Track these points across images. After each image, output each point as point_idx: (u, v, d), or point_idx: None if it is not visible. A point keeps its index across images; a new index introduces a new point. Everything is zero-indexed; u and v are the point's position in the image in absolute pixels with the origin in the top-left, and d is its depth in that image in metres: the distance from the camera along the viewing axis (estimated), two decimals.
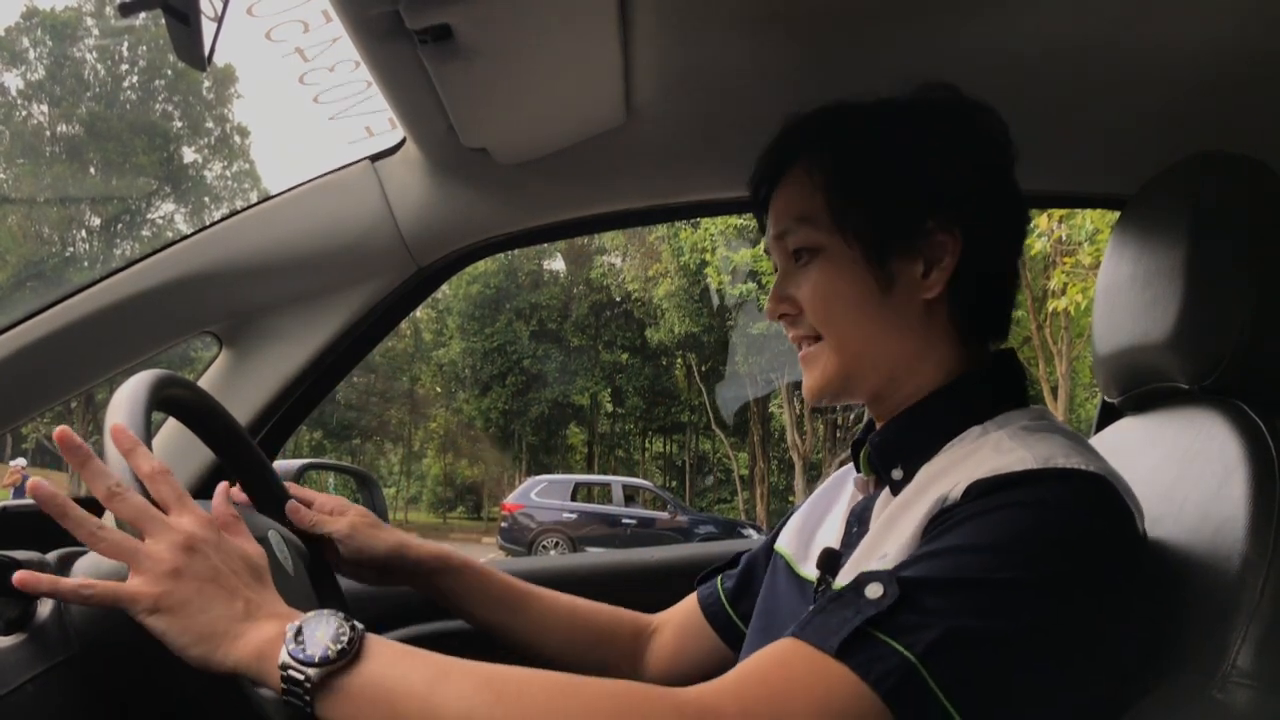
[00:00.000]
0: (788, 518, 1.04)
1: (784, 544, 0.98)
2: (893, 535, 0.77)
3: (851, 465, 0.95)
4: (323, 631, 0.66)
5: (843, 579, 0.81)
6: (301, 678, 0.64)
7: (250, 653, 0.66)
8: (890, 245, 0.82)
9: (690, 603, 1.11)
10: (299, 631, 0.66)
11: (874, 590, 0.64)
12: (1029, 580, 0.64)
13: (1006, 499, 0.68)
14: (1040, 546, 0.65)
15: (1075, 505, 0.69)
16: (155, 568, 0.68)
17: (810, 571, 0.90)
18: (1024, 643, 0.63)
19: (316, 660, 0.64)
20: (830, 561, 0.87)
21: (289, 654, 0.65)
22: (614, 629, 1.11)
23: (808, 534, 0.96)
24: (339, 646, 0.65)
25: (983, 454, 0.76)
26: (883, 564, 0.74)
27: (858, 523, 0.87)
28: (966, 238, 0.82)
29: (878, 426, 0.88)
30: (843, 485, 0.97)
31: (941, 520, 0.70)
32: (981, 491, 0.70)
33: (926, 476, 0.80)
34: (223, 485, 0.82)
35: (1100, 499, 0.70)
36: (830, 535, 0.91)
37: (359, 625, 0.67)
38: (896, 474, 0.83)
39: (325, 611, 0.67)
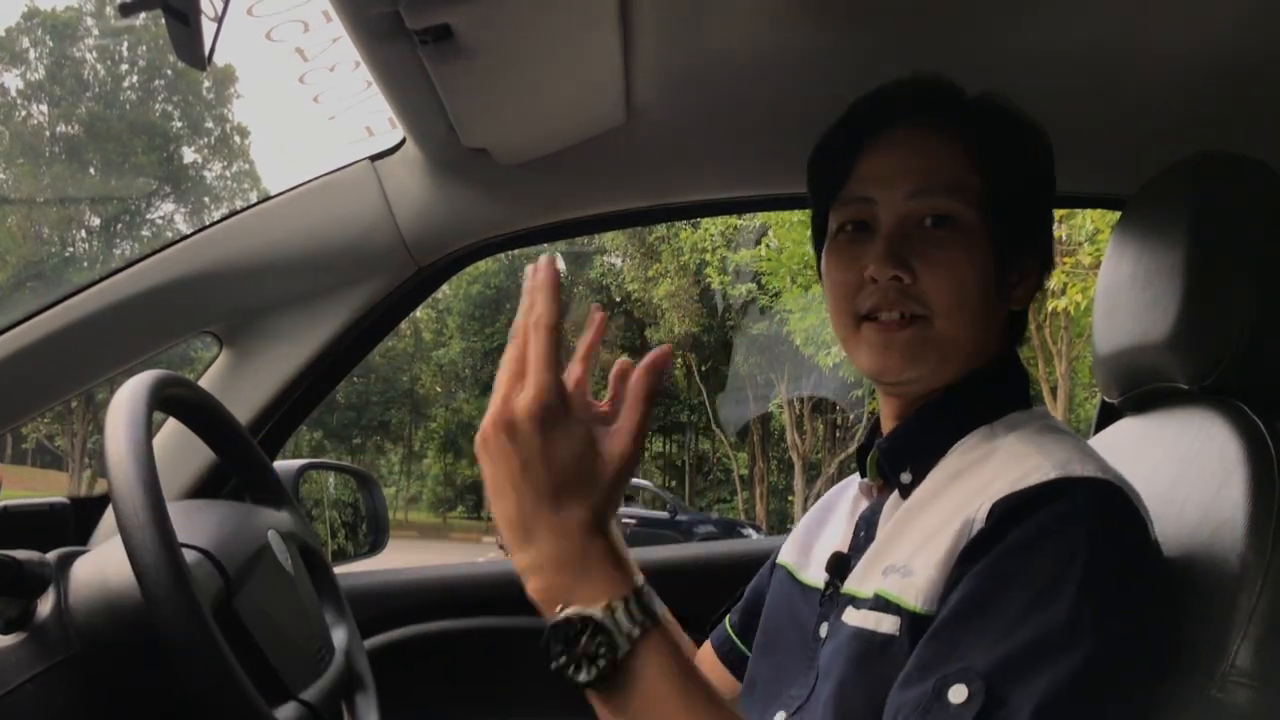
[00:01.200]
0: (787, 537, 1.04)
1: (785, 557, 0.98)
2: (906, 542, 0.77)
3: (854, 477, 0.95)
4: (584, 642, 0.59)
5: (852, 583, 0.81)
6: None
7: (535, 589, 0.62)
8: (1015, 250, 0.83)
9: (706, 650, 1.09)
10: (560, 628, 0.60)
11: (958, 694, 0.63)
12: (1083, 617, 0.64)
13: (1036, 528, 0.68)
14: (1083, 577, 0.65)
15: (1102, 521, 0.69)
16: (481, 433, 0.63)
17: (814, 577, 0.90)
18: (1091, 675, 0.63)
19: (569, 675, 0.60)
20: (839, 565, 0.86)
21: (548, 648, 0.60)
22: None
23: (808, 543, 0.96)
24: (591, 672, 0.59)
25: (997, 461, 0.76)
26: (906, 579, 0.74)
27: (866, 527, 0.87)
28: (1046, 261, 0.86)
29: (884, 430, 0.88)
30: (843, 494, 0.97)
31: (975, 554, 0.70)
32: (1006, 513, 0.70)
33: (938, 481, 0.80)
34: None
35: (1121, 509, 0.71)
36: (835, 540, 0.91)
37: (629, 635, 0.59)
38: (905, 477, 0.83)
39: (591, 617, 0.60)
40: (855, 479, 0.94)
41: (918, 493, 0.81)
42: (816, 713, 0.78)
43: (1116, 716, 0.65)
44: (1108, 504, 0.70)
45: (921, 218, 0.80)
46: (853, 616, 0.77)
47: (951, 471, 0.79)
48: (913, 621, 0.72)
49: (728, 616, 1.09)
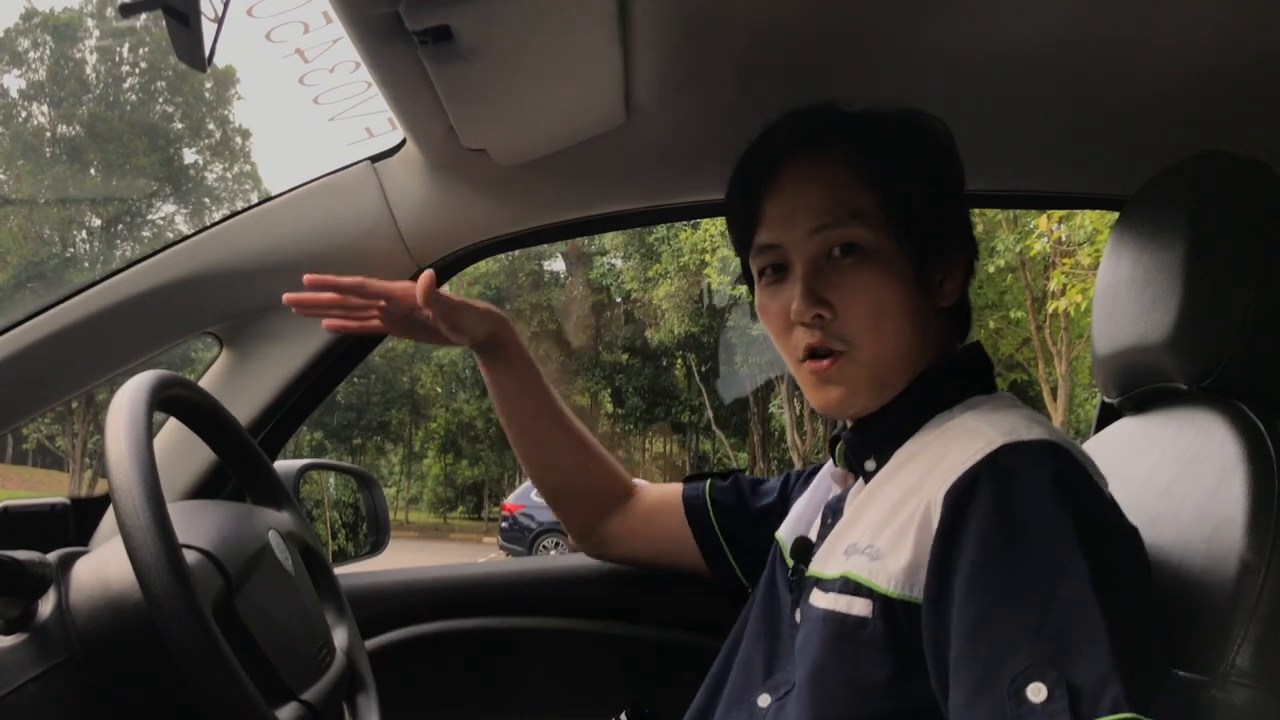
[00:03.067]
0: (793, 489, 1.07)
1: (782, 532, 1.00)
2: (865, 522, 0.79)
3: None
4: None
5: (816, 565, 0.84)
6: None
7: None
8: (930, 253, 0.84)
9: (672, 489, 1.15)
10: None
11: (1038, 692, 0.62)
12: (1101, 562, 0.66)
13: (1008, 497, 0.69)
14: (1078, 528, 0.67)
15: (1066, 473, 0.70)
16: None
17: (790, 558, 0.93)
18: (1132, 611, 0.66)
19: None
20: (803, 550, 0.89)
21: None
22: (607, 479, 1.17)
23: (797, 522, 0.99)
24: None
25: (949, 437, 0.78)
26: (875, 562, 0.75)
27: (832, 514, 0.89)
28: (968, 251, 0.87)
29: (849, 424, 0.89)
30: (829, 478, 0.99)
31: (954, 538, 0.70)
32: (966, 487, 0.71)
33: (896, 463, 0.82)
34: None
35: (1075, 464, 0.72)
36: (807, 526, 0.94)
37: None
38: (870, 465, 0.85)
39: None
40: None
41: (878, 476, 0.83)
42: (801, 704, 0.79)
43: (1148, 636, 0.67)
44: (1063, 459, 0.71)
45: (829, 250, 0.83)
46: (821, 599, 0.79)
47: (909, 453, 0.81)
48: (885, 605, 0.73)
49: (709, 481, 1.13)
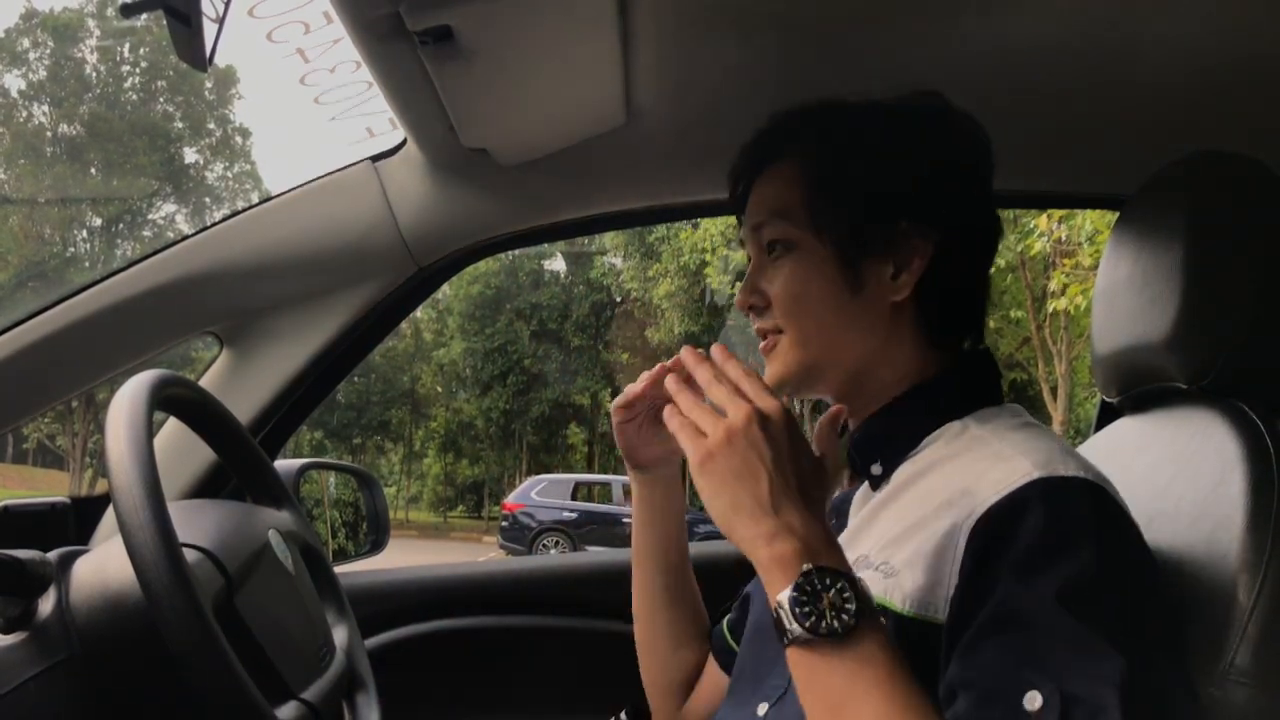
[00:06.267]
0: None
1: None
2: (877, 534, 0.78)
3: None
4: (833, 595, 0.64)
5: None
6: (788, 625, 0.65)
7: (760, 560, 0.68)
8: (863, 246, 0.83)
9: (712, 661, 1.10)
10: (810, 577, 0.65)
11: (1033, 700, 0.62)
12: (1117, 607, 0.65)
13: (1040, 531, 0.68)
14: (1098, 574, 0.66)
15: (1100, 518, 0.69)
16: (716, 432, 0.71)
17: None
18: (1141, 650, 0.64)
19: (806, 627, 0.64)
20: None
21: (789, 599, 0.65)
22: (697, 635, 1.11)
23: None
24: (834, 624, 0.64)
25: (976, 459, 0.76)
26: (890, 579, 0.74)
27: (835, 515, 0.88)
28: (938, 243, 0.83)
29: (852, 425, 0.89)
30: None
31: (983, 568, 0.69)
32: (1001, 517, 0.69)
33: (909, 474, 0.81)
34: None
35: (1110, 506, 0.71)
36: None
37: (869, 604, 0.65)
38: (876, 469, 0.84)
39: (844, 572, 0.66)
40: None
41: (889, 486, 0.82)
42: (799, 706, 0.79)
43: (1176, 681, 0.66)
44: (1099, 501, 0.70)
45: (765, 247, 0.87)
46: None
47: (924, 465, 0.80)
48: (899, 624, 0.72)
49: (725, 617, 1.09)
